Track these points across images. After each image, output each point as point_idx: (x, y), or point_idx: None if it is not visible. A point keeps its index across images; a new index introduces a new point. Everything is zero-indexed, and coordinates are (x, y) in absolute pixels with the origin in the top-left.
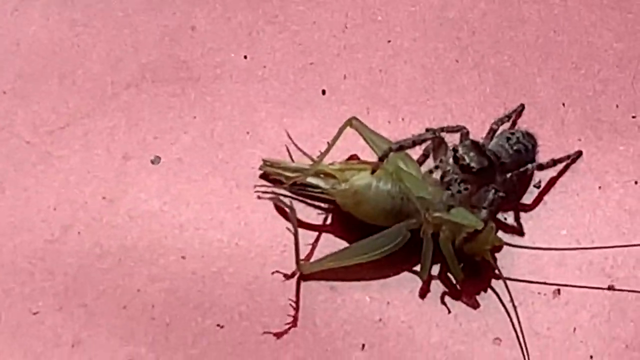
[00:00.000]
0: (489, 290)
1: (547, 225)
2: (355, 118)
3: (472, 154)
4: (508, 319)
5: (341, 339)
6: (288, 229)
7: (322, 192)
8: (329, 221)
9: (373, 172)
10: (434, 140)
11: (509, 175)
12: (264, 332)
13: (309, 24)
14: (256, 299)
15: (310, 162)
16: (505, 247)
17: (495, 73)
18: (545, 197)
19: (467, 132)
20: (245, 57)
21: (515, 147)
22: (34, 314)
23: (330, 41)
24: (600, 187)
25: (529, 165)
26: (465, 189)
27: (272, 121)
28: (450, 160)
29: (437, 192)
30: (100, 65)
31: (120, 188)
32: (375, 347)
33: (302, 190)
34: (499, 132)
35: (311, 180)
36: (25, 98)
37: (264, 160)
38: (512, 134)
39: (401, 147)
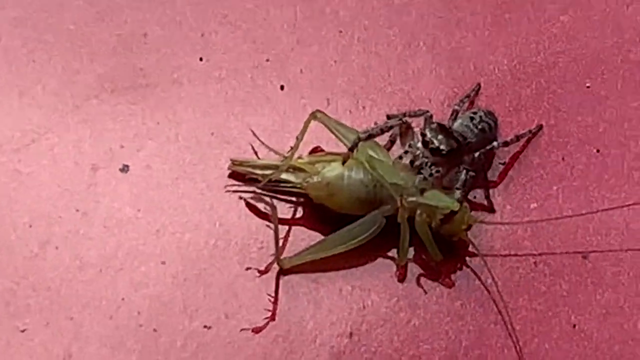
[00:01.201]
0: (468, 269)
1: (516, 200)
2: (319, 111)
3: (440, 136)
4: (489, 296)
5: (328, 329)
6: (267, 225)
7: (293, 187)
8: (302, 215)
9: (344, 162)
10: (401, 126)
11: (476, 154)
12: (242, 329)
13: (260, 21)
14: (240, 297)
15: (278, 158)
16: (478, 225)
17: (449, 54)
18: (511, 173)
19: (431, 116)
20: (201, 59)
21: (479, 126)
22: (22, 331)
23: (283, 36)
24: (563, 159)
25: (494, 143)
26: (437, 171)
27: (235, 120)
28: (419, 145)
29: (409, 177)
30: (58, 79)
31: (93, 199)
32: (362, 334)
33: (273, 187)
34: (460, 113)
35: (283, 175)
36: None
37: (232, 160)
38: (475, 113)
39: (370, 135)
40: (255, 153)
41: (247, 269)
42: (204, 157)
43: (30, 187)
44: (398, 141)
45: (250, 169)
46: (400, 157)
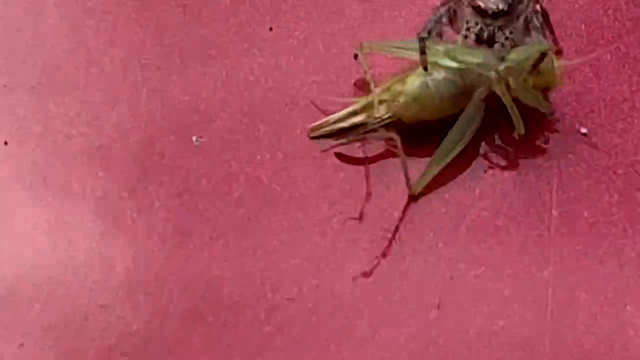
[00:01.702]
0: None
1: None
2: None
3: None
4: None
5: (415, 301)
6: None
7: (380, 123)
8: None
9: (425, 68)
10: (449, 12)
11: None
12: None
13: None
14: (323, 269)
15: (350, 108)
16: None
17: None
18: None
19: None
20: (271, 28)
21: None
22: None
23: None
24: None
25: None
26: (510, 32)
27: (309, 90)
28: (477, 19)
29: (486, 51)
30: (125, 51)
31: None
32: (450, 304)
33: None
34: None
35: (363, 118)
36: None
37: (311, 128)
38: None
39: (429, 31)
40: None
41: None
42: (279, 127)
43: None
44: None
45: (333, 126)
46: (466, 37)
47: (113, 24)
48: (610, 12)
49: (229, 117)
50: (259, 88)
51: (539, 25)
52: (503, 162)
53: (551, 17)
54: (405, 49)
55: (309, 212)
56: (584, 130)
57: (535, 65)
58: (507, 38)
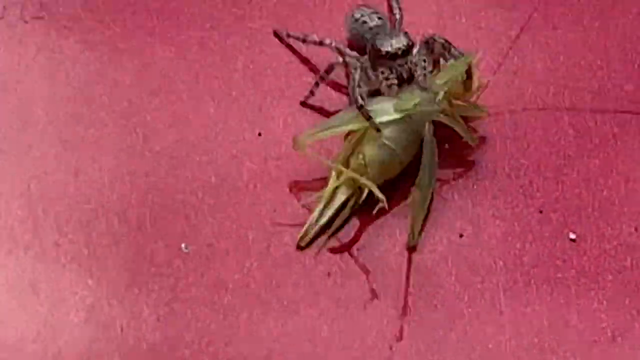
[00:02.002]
0: None
1: None
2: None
3: (391, 39)
4: None
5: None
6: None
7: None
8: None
9: (378, 130)
10: (362, 70)
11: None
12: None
13: None
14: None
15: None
16: None
17: None
18: None
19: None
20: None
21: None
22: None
23: None
24: None
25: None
26: (424, 60)
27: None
28: (390, 64)
29: (413, 88)
30: None
31: None
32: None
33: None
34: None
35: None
36: None
37: (300, 238)
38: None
39: (362, 98)
40: None
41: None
42: (268, 234)
43: None
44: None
45: (316, 227)
46: (390, 86)
47: (101, 130)
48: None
49: (217, 223)
50: (248, 194)
51: (443, 42)
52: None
53: None
54: (338, 125)
55: (299, 319)
56: (572, 236)
57: (468, 73)
58: (424, 68)
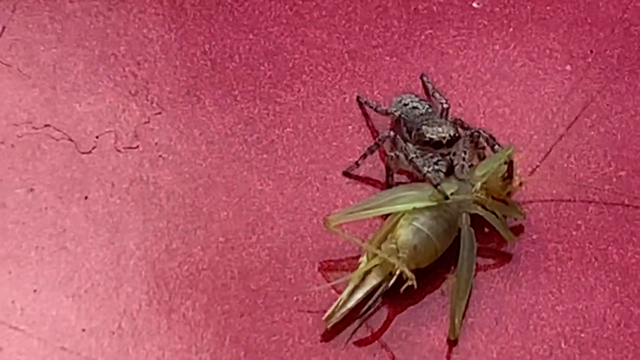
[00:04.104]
0: None
1: None
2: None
3: (438, 127)
4: None
5: None
6: None
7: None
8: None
9: (445, 197)
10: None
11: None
12: None
13: None
14: None
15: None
16: None
17: None
18: None
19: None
20: None
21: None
22: None
23: None
24: None
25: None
26: (464, 152)
27: None
28: (433, 151)
29: (453, 180)
30: (207, 295)
31: None
32: None
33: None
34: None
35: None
36: (135, 336)
37: (326, 318)
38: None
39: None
40: None
41: None
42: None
43: None
44: None
45: (343, 309)
46: (437, 171)
47: (196, 266)
48: None
49: None
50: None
51: (487, 136)
52: None
53: None
54: (370, 208)
55: None
56: None
57: (509, 170)
58: (464, 159)
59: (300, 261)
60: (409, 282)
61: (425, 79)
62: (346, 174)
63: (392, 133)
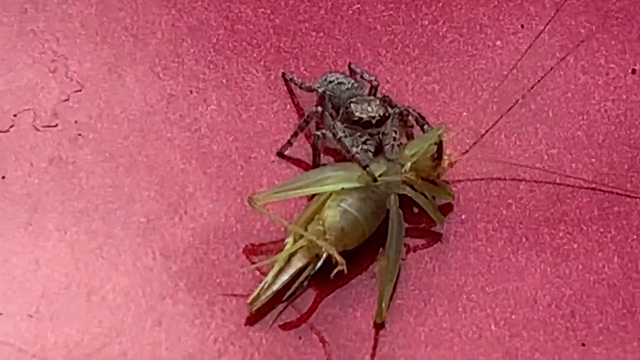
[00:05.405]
0: None
1: None
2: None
3: (367, 106)
4: None
5: None
6: None
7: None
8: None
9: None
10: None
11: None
12: None
13: None
14: None
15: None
16: None
17: None
18: None
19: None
20: None
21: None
22: None
23: None
24: None
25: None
26: (395, 132)
27: None
28: (361, 131)
29: (381, 158)
30: (128, 278)
31: None
32: None
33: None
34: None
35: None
36: (54, 319)
37: (251, 301)
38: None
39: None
40: None
41: None
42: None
43: None
44: None
45: (268, 292)
46: (366, 151)
47: (116, 248)
48: None
49: None
50: None
51: (417, 115)
52: None
53: None
54: (297, 188)
55: None
56: None
57: (439, 150)
58: (394, 138)
59: (224, 242)
60: (340, 267)
61: (352, 65)
62: (280, 154)
63: (319, 108)
